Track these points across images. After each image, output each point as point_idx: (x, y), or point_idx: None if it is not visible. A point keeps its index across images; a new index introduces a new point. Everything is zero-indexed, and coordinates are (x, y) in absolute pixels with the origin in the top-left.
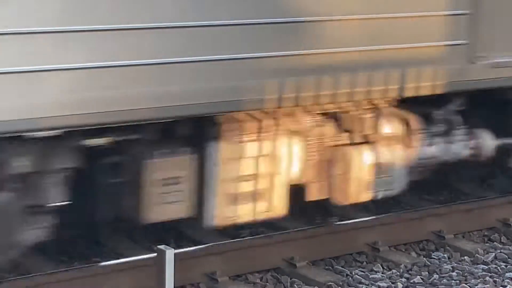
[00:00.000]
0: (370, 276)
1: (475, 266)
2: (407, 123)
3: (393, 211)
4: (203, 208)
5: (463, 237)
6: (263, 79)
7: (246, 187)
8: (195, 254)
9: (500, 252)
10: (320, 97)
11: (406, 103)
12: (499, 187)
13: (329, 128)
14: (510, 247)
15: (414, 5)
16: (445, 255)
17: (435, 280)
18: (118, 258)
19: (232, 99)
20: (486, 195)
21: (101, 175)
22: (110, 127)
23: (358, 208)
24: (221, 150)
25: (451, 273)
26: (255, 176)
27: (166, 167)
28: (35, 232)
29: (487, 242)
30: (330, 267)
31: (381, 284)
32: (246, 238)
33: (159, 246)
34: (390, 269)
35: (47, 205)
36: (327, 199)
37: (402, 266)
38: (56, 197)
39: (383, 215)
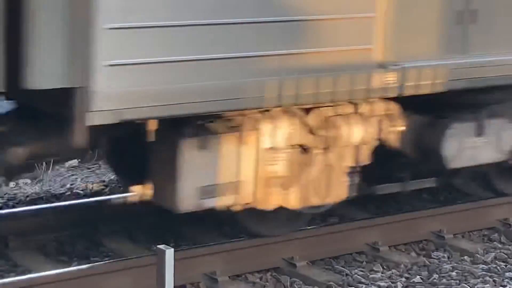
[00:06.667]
0: (370, 276)
1: (475, 266)
2: None
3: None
4: None
5: (463, 237)
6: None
7: None
8: (195, 254)
9: (500, 252)
10: None
11: None
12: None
13: None
14: (510, 247)
15: None
16: (445, 255)
17: (435, 280)
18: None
19: None
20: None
21: None
22: None
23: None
24: None
25: (451, 273)
26: None
27: None
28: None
29: (487, 242)
30: (330, 267)
31: (381, 284)
32: (246, 238)
33: (159, 246)
34: (390, 269)
35: None
36: None
37: (402, 266)
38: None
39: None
